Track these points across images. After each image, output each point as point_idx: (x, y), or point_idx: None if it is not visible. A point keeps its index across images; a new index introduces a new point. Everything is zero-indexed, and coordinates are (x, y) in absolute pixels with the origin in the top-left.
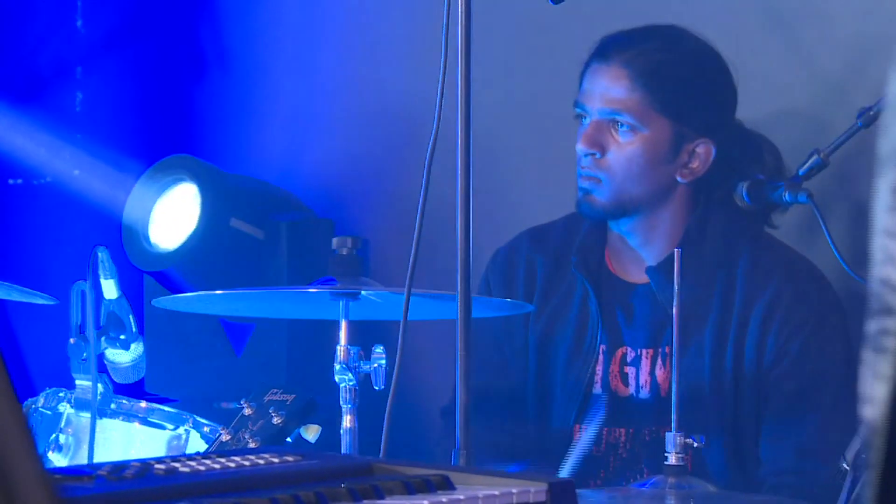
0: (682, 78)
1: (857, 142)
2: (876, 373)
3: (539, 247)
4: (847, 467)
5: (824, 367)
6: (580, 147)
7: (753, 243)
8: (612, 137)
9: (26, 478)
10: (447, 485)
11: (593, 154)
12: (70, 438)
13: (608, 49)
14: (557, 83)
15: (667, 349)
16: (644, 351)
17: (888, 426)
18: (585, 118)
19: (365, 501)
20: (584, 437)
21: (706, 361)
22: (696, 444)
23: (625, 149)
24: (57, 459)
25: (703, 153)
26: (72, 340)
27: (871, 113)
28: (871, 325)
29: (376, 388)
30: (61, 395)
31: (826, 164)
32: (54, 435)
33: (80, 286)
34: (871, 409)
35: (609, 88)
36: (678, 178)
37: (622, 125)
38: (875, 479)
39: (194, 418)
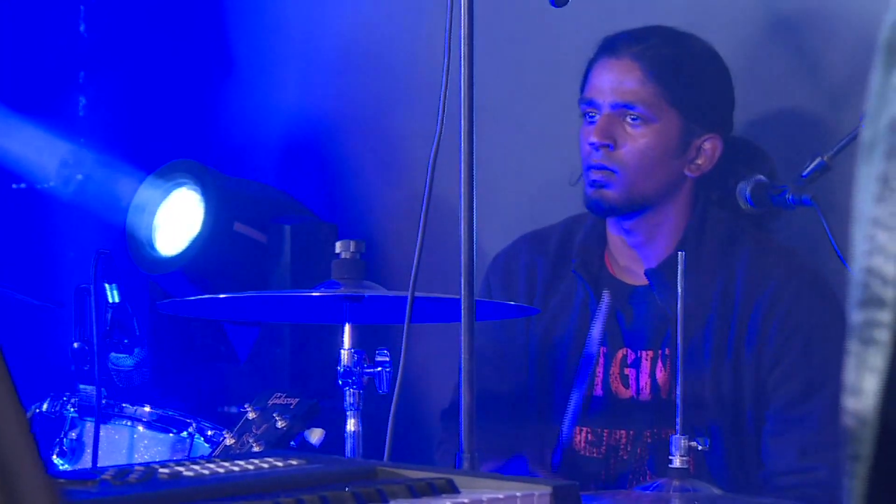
0: (689, 73)
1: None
2: (864, 364)
3: (539, 250)
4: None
5: (824, 367)
6: (593, 140)
7: (753, 244)
8: (625, 130)
9: (30, 482)
10: (451, 488)
11: (606, 146)
12: (74, 443)
13: (616, 44)
14: (558, 86)
15: (667, 351)
16: (644, 353)
17: (879, 418)
18: (594, 114)
19: None
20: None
21: (706, 363)
22: (700, 447)
23: (637, 141)
24: (61, 464)
25: (709, 148)
26: (75, 345)
27: None
28: (857, 316)
29: (380, 391)
30: (65, 399)
31: (829, 168)
32: (58, 439)
33: (84, 291)
34: (858, 401)
35: (621, 81)
36: (686, 173)
37: (634, 118)
38: (862, 472)
39: (198, 422)
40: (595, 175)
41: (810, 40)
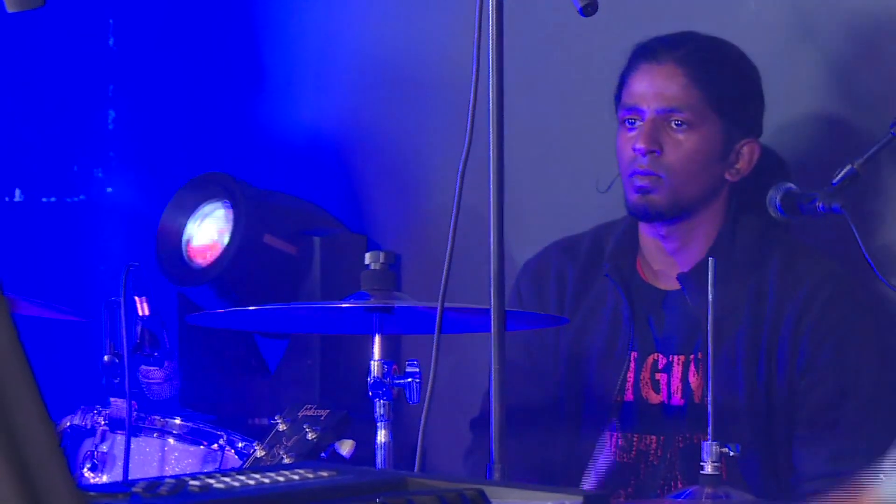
0: (728, 78)
1: (891, 152)
2: None
3: (569, 256)
4: (884, 478)
5: (857, 372)
6: (639, 146)
7: (784, 249)
8: (669, 136)
9: (60, 496)
10: (482, 499)
11: (653, 152)
12: (105, 455)
13: (655, 50)
14: (585, 94)
15: (699, 355)
16: (676, 357)
17: None
18: (636, 120)
19: None
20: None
21: (738, 368)
22: (731, 453)
23: (683, 146)
24: (92, 477)
25: (747, 153)
26: (105, 358)
27: None
28: None
29: (410, 402)
30: (96, 412)
31: (860, 175)
32: (89, 452)
33: (114, 304)
34: None
35: (665, 87)
36: (727, 178)
37: (678, 123)
38: None
39: (228, 434)
40: (641, 181)
41: (839, 45)
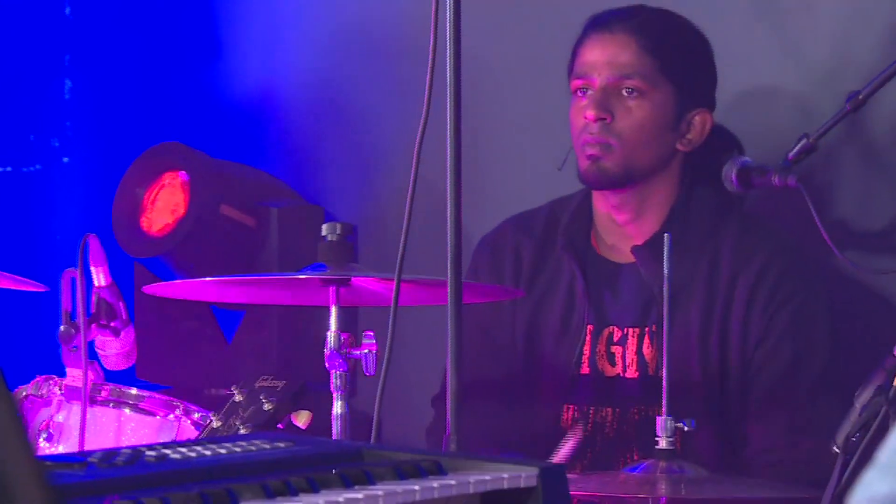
0: (680, 48)
1: (846, 126)
2: None
3: (525, 231)
4: (838, 450)
5: (810, 345)
6: (589, 113)
7: (738, 221)
8: (621, 103)
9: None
10: (438, 470)
11: (603, 119)
12: (61, 426)
13: (607, 21)
14: (543, 71)
15: (653, 327)
16: (630, 330)
17: None
18: (587, 89)
19: (356, 487)
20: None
21: (692, 341)
22: (686, 428)
23: (634, 113)
24: (48, 447)
25: (699, 123)
26: (62, 328)
27: (860, 97)
28: None
29: (366, 374)
30: (52, 382)
31: (815, 149)
32: (45, 422)
33: (71, 274)
34: None
35: (617, 55)
36: (678, 147)
37: (630, 90)
38: None
39: (185, 405)
40: (591, 149)
41: (791, 21)
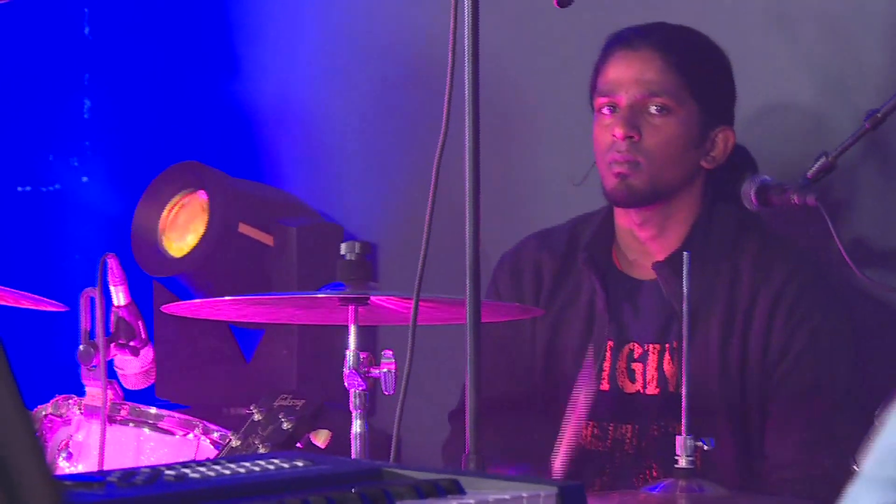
0: (702, 64)
1: (865, 144)
2: None
3: (546, 248)
4: (857, 469)
5: (830, 362)
6: (617, 132)
7: (759, 239)
8: (647, 121)
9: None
10: (457, 489)
11: (631, 137)
12: (80, 445)
13: (630, 38)
14: (562, 87)
15: (674, 344)
16: (651, 346)
17: None
18: (613, 107)
19: None
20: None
21: (713, 357)
22: (705, 447)
23: (661, 130)
24: (67, 466)
25: (722, 140)
26: (81, 347)
27: (879, 115)
28: None
29: (385, 393)
30: (71, 401)
31: (834, 167)
32: (64, 441)
33: (90, 293)
34: None
35: (642, 72)
36: (702, 165)
37: (657, 108)
38: None
39: (204, 424)
40: (619, 167)
41: (812, 36)
